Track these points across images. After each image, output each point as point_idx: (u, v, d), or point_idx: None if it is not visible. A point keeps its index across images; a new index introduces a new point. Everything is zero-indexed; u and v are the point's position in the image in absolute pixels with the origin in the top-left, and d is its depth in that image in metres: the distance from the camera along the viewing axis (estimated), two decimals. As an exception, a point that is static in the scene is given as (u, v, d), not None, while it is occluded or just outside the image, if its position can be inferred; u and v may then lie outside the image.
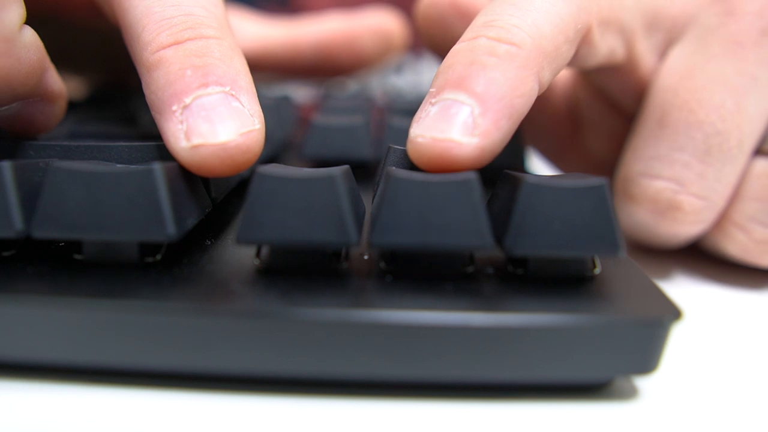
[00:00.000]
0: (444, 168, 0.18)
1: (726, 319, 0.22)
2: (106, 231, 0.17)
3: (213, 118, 0.19)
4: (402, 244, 0.17)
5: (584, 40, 0.22)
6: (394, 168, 0.19)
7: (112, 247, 0.18)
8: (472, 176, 0.17)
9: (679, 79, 0.24)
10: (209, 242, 0.20)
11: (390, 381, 0.16)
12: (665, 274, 0.26)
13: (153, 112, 0.19)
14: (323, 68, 0.43)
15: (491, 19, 0.20)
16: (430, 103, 0.19)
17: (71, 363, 0.16)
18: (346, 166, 0.19)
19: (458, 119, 0.18)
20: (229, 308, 0.16)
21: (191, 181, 0.19)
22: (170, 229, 0.17)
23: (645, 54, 0.25)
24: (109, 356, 0.16)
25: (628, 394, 0.17)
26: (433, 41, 0.28)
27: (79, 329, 0.16)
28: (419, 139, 0.19)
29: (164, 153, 0.20)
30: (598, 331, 0.16)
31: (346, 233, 0.17)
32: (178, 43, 0.19)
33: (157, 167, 0.17)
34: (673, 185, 0.23)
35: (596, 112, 0.28)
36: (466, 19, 0.27)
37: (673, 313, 0.16)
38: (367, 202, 0.21)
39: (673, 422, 0.16)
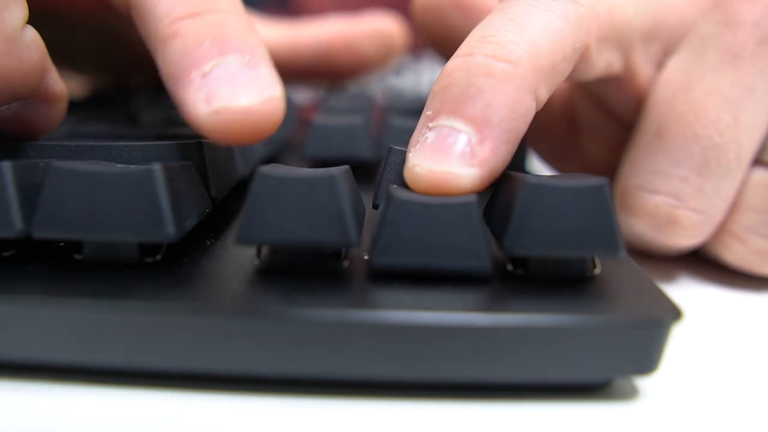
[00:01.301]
0: (443, 195, 0.18)
1: (726, 319, 0.22)
2: (105, 231, 0.17)
3: (234, 82, 0.18)
4: (402, 265, 0.17)
5: (582, 58, 0.21)
6: (395, 187, 0.19)
7: (112, 247, 0.18)
8: (472, 199, 0.17)
9: (676, 92, 0.24)
10: (209, 242, 0.20)
11: (390, 381, 0.16)
12: (665, 275, 0.26)
13: (168, 83, 0.19)
14: (323, 71, 0.43)
15: (488, 35, 0.20)
16: (427, 127, 0.19)
17: (71, 363, 0.16)
18: (346, 166, 0.19)
19: (456, 149, 0.18)
20: (229, 308, 0.16)
21: (191, 181, 0.19)
22: (170, 230, 0.17)
23: (642, 64, 0.24)
24: (109, 356, 0.16)
25: (628, 394, 0.17)
26: (431, 34, 0.28)
27: (79, 329, 0.16)
28: (417, 169, 0.18)
29: (164, 153, 0.20)
30: (598, 331, 0.16)
31: (346, 233, 0.17)
32: (195, 14, 0.19)
33: (157, 167, 0.17)
34: (671, 200, 0.23)
35: (593, 118, 0.28)
36: (463, 10, 0.27)
37: (673, 313, 0.16)
38: (367, 203, 0.21)
39: (673, 422, 0.16)
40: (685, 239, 0.24)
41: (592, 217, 0.17)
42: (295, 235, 0.17)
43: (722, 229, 0.24)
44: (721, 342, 0.20)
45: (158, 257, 0.18)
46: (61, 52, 0.28)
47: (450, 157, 0.18)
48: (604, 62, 0.23)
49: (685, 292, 0.24)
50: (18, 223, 0.17)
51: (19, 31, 0.19)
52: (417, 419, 0.16)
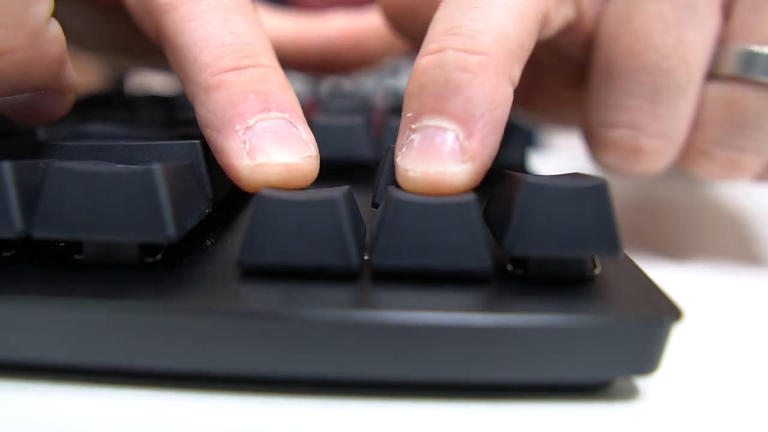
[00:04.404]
0: (439, 195, 0.18)
1: (726, 320, 0.22)
2: (105, 231, 0.17)
3: (277, 140, 0.19)
4: (402, 266, 0.17)
5: (542, 24, 0.22)
6: (394, 187, 0.19)
7: (112, 247, 0.18)
8: (471, 198, 0.17)
9: (620, 25, 0.24)
10: (209, 242, 0.20)
11: (390, 381, 0.16)
12: (665, 275, 0.26)
13: (209, 131, 0.20)
14: (328, 67, 0.43)
15: (453, 26, 0.20)
16: (411, 128, 0.19)
17: (71, 363, 0.16)
18: (347, 187, 0.19)
19: (445, 149, 0.18)
20: (229, 308, 0.16)
21: (191, 181, 0.19)
22: (170, 230, 0.17)
23: (590, 7, 0.25)
24: (109, 356, 0.16)
25: (628, 394, 0.17)
26: (404, 30, 0.28)
27: (79, 329, 0.16)
28: (410, 173, 0.18)
29: (164, 153, 0.20)
30: (598, 331, 0.16)
31: (347, 256, 0.17)
32: (239, 68, 0.20)
33: (157, 167, 0.17)
34: (631, 131, 0.24)
35: (553, 64, 0.29)
36: (433, 3, 0.27)
37: (673, 313, 0.16)
38: (368, 204, 0.21)
39: (673, 423, 0.16)
40: (652, 165, 0.25)
41: (591, 217, 0.17)
42: (297, 258, 0.17)
43: (689, 147, 0.25)
44: (721, 342, 0.20)
45: (158, 257, 0.18)
46: (77, 39, 0.28)
47: (441, 157, 0.18)
48: (561, 18, 0.23)
49: (685, 291, 0.24)
50: (18, 223, 0.17)
51: (45, 26, 0.19)
52: (417, 419, 0.16)
